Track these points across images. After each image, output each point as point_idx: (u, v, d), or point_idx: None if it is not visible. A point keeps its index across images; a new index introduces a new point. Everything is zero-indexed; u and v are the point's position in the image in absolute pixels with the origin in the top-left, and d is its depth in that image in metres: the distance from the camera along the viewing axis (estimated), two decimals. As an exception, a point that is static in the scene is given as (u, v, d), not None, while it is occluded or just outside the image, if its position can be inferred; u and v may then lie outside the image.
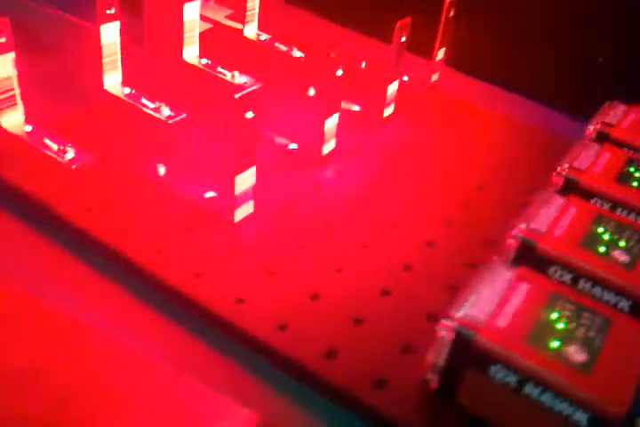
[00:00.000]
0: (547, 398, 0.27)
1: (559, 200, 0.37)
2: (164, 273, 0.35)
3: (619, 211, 0.38)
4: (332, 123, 0.42)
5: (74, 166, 0.40)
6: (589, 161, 0.41)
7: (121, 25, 0.44)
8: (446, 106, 0.54)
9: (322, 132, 0.42)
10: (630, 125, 0.45)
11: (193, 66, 0.52)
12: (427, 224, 0.42)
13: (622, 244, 0.34)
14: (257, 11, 0.58)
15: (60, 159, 0.41)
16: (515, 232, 0.35)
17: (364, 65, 0.54)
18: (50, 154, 0.41)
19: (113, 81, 0.47)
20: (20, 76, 0.40)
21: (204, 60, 0.53)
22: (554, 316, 0.29)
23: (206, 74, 0.51)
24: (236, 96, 0.31)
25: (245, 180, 0.37)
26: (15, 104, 0.41)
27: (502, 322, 0.29)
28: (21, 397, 0.29)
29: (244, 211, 0.38)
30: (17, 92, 0.41)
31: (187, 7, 0.50)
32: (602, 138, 0.44)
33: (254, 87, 0.32)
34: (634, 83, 0.52)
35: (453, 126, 0.52)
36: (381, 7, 0.60)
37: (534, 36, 0.55)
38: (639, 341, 0.29)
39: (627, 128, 0.45)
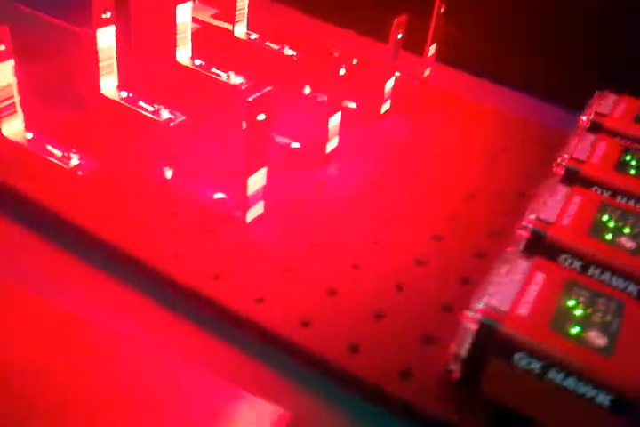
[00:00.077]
0: (570, 382, 0.28)
1: (563, 190, 0.38)
2: (181, 276, 0.35)
3: (618, 198, 0.39)
4: (335, 121, 0.43)
5: (80, 173, 0.40)
6: (587, 151, 0.42)
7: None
8: (439, 100, 0.54)
9: (326, 131, 0.42)
10: (622, 115, 0.46)
11: (187, 67, 0.52)
12: (432, 218, 0.42)
13: (627, 230, 0.35)
14: (246, 10, 0.58)
15: (65, 166, 0.40)
16: (524, 223, 0.36)
17: (355, 62, 0.55)
18: (54, 161, 0.40)
19: (109, 85, 0.47)
20: (18, 83, 0.40)
21: (198, 61, 0.53)
22: (571, 303, 0.30)
23: (202, 75, 0.51)
24: (249, 99, 0.32)
25: (257, 181, 0.37)
26: (15, 112, 0.41)
27: (523, 311, 0.30)
28: (22, 396, 0.29)
29: (254, 211, 0.39)
30: (17, 99, 0.41)
31: (179, 9, 0.49)
32: (596, 128, 0.45)
33: (266, 90, 0.32)
34: (621, 72, 0.53)
35: (448, 120, 0.52)
36: (370, 4, 0.60)
37: (520, 29, 0.56)
38: (654, 323, 0.30)
39: (619, 117, 0.46)
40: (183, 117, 0.46)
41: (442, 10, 0.51)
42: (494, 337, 0.29)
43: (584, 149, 0.42)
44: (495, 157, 0.50)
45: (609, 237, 0.35)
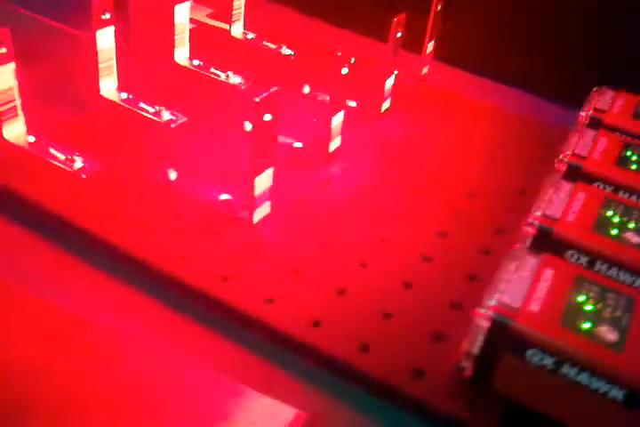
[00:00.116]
0: (583, 378, 0.28)
1: (567, 186, 0.38)
2: (190, 278, 0.35)
3: (620, 193, 0.40)
4: (337, 120, 0.43)
5: (84, 175, 0.40)
6: (588, 147, 0.42)
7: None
8: (438, 98, 0.55)
9: (329, 130, 0.42)
10: (621, 111, 0.47)
11: (186, 68, 0.52)
12: (436, 215, 0.43)
13: (632, 225, 0.36)
14: (243, 10, 0.58)
15: (68, 169, 0.40)
16: (530, 219, 0.36)
17: (353, 60, 0.55)
18: (57, 164, 0.40)
19: (109, 86, 0.46)
20: (19, 86, 0.40)
21: (196, 62, 0.53)
22: (581, 298, 0.31)
23: (201, 76, 0.51)
24: (256, 99, 0.32)
25: (263, 181, 0.37)
26: (16, 115, 0.41)
27: (535, 307, 0.30)
28: (23, 396, 0.29)
29: (261, 212, 0.39)
30: (18, 103, 0.40)
31: (177, 9, 0.49)
32: (595, 124, 0.45)
33: (272, 90, 0.32)
34: (618, 69, 0.53)
35: (447, 118, 0.53)
36: (366, 3, 0.60)
37: (517, 27, 0.57)
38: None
39: (618, 113, 0.46)
40: (184, 119, 0.46)
41: (439, 8, 0.51)
42: (507, 334, 0.29)
43: (585, 145, 0.43)
44: (494, 154, 0.50)
45: (614, 232, 0.35)
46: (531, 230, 0.36)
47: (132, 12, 0.48)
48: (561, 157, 0.42)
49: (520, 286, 0.31)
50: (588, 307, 0.30)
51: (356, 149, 0.47)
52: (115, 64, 0.46)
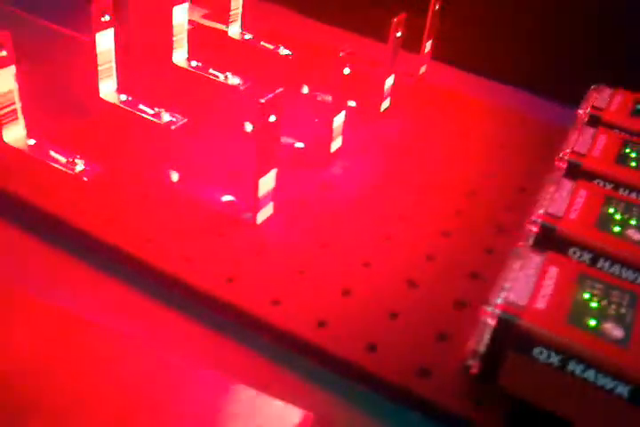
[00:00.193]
0: (589, 375, 0.29)
1: (568, 184, 0.39)
2: (195, 280, 0.35)
3: (620, 191, 0.40)
4: (339, 121, 0.43)
5: (85, 178, 0.40)
6: (587, 145, 0.43)
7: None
8: (437, 98, 0.55)
9: (330, 131, 0.42)
10: (619, 108, 0.47)
11: (184, 69, 0.52)
12: (438, 214, 0.43)
13: (634, 222, 0.36)
14: (240, 10, 0.58)
15: (70, 172, 0.40)
16: (533, 217, 0.37)
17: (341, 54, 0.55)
18: (58, 167, 0.40)
19: (108, 88, 0.46)
20: (19, 89, 0.40)
21: (195, 63, 0.53)
22: (586, 295, 0.31)
23: (200, 77, 0.51)
24: (262, 101, 0.32)
25: (267, 182, 0.37)
26: (16, 118, 0.41)
27: (541, 305, 0.30)
28: (25, 396, 0.29)
29: (265, 213, 0.39)
30: (18, 106, 0.40)
31: (176, 10, 0.49)
32: (594, 121, 0.46)
33: (277, 92, 0.32)
34: (614, 66, 0.54)
35: (446, 118, 0.53)
36: (364, 2, 0.60)
37: (513, 26, 0.57)
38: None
39: (616, 111, 0.47)
40: (184, 120, 0.46)
41: (437, 7, 0.51)
42: (514, 332, 0.29)
43: (584, 143, 0.43)
44: (494, 152, 0.50)
45: (617, 229, 0.35)
46: (534, 228, 0.36)
47: (131, 13, 0.48)
48: (561, 155, 0.43)
49: (526, 284, 0.31)
50: (593, 304, 0.30)
51: (356, 148, 0.47)
52: (114, 66, 0.45)
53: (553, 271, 0.32)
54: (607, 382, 0.29)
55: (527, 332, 0.29)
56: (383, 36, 0.56)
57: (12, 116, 0.40)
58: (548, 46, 0.56)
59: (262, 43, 0.58)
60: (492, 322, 0.30)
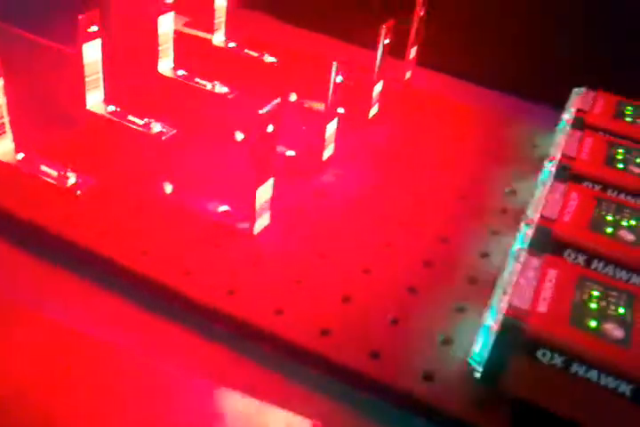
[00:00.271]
0: (592, 375, 0.29)
1: (560, 187, 0.39)
2: (196, 293, 0.35)
3: (609, 192, 0.41)
4: (332, 128, 0.43)
5: (79, 192, 0.39)
6: (575, 147, 0.43)
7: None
8: (422, 103, 0.55)
9: (323, 139, 0.42)
10: (602, 111, 0.48)
11: (171, 78, 0.51)
12: (434, 219, 0.43)
13: (625, 223, 0.37)
14: (224, 18, 0.57)
15: (62, 186, 0.39)
16: (528, 221, 0.37)
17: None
18: (49, 180, 0.40)
19: (96, 100, 0.46)
20: (7, 103, 0.39)
21: (181, 72, 0.53)
22: (585, 297, 0.31)
23: (187, 86, 0.51)
24: (261, 112, 0.32)
25: (265, 192, 0.37)
26: (4, 132, 0.40)
27: (543, 308, 0.30)
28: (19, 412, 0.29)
29: (261, 223, 0.39)
30: (6, 119, 0.39)
31: (161, 19, 0.49)
32: (579, 124, 0.47)
33: (275, 102, 0.32)
34: (596, 69, 0.55)
35: (433, 122, 0.53)
36: (348, 9, 0.61)
37: (498, 31, 0.58)
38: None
39: (599, 113, 0.48)
40: (174, 131, 0.45)
41: (422, 13, 0.51)
42: (518, 335, 0.30)
43: (572, 146, 0.44)
44: (482, 156, 0.51)
45: (609, 230, 0.36)
46: (529, 232, 0.37)
47: (116, 23, 0.48)
48: (550, 157, 0.44)
49: (526, 288, 0.32)
50: (593, 305, 0.31)
51: (347, 155, 0.47)
52: (101, 77, 0.45)
53: (552, 274, 0.32)
54: (610, 382, 0.29)
55: (531, 335, 0.30)
56: (366, 42, 0.56)
57: (0, 130, 0.40)
58: (532, 51, 0.57)
59: (247, 50, 0.58)
60: (495, 326, 0.31)
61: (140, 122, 0.45)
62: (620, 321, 0.30)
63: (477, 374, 0.32)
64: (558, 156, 0.43)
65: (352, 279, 0.37)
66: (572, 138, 0.45)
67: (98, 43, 0.43)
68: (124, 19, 0.49)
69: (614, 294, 0.32)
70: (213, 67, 0.55)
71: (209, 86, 0.51)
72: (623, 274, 0.35)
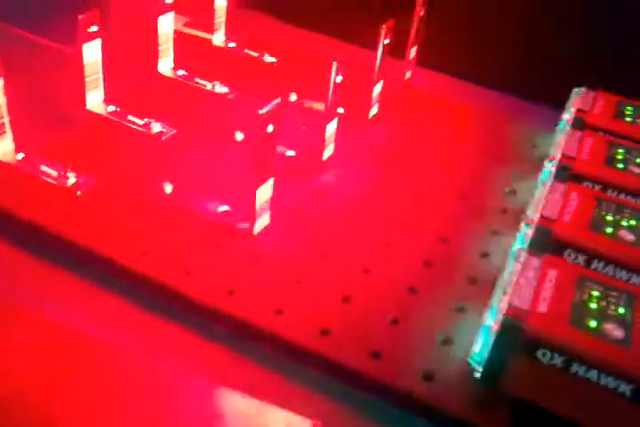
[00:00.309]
0: (592, 375, 0.29)
1: (560, 187, 0.39)
2: (196, 293, 0.35)
3: (609, 192, 0.41)
4: (332, 128, 0.43)
5: (79, 192, 0.39)
6: (575, 147, 0.43)
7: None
8: (422, 103, 0.55)
9: (323, 139, 0.42)
10: (602, 111, 0.48)
11: (171, 78, 0.51)
12: (434, 219, 0.43)
13: (625, 223, 0.37)
14: (224, 18, 0.57)
15: (62, 186, 0.39)
16: (529, 221, 0.37)
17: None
18: (50, 181, 0.40)
19: (96, 100, 0.46)
20: (7, 103, 0.39)
21: (181, 72, 0.53)
22: (585, 297, 0.31)
23: (187, 86, 0.51)
24: (261, 112, 0.32)
25: (265, 192, 0.37)
26: (4, 132, 0.40)
27: (543, 308, 0.30)
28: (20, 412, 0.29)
29: (261, 223, 0.39)
30: (6, 119, 0.39)
31: (161, 19, 0.49)
32: (579, 124, 0.47)
33: (275, 102, 0.32)
34: (596, 69, 0.55)
35: (433, 122, 0.53)
36: (348, 9, 0.61)
37: (498, 32, 0.58)
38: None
39: (599, 114, 0.48)
40: (174, 131, 0.45)
41: (422, 13, 0.51)
42: (519, 336, 0.30)
43: (572, 146, 0.44)
44: (482, 156, 0.51)
45: (609, 230, 0.36)
46: (529, 232, 0.37)
47: (116, 23, 0.48)
48: (550, 157, 0.44)
49: (527, 288, 0.32)
50: (593, 305, 0.31)
51: (347, 155, 0.47)
52: (101, 77, 0.45)
53: (552, 274, 0.32)
54: (610, 382, 0.29)
55: (531, 335, 0.30)
56: (366, 42, 0.56)
57: (0, 130, 0.40)
58: (531, 51, 0.57)
59: (247, 50, 0.58)
60: (495, 326, 0.31)
61: (140, 122, 0.45)
62: (620, 321, 0.30)
63: (477, 374, 0.32)
64: (558, 156, 0.43)
65: (352, 279, 0.37)
66: (571, 138, 0.45)
67: (98, 43, 0.43)
68: (124, 19, 0.49)
69: (614, 294, 0.32)
70: (213, 67, 0.55)
71: (209, 86, 0.51)
72: (623, 274, 0.35)
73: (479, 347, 0.32)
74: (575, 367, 0.29)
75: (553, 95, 0.51)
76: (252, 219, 0.37)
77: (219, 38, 0.58)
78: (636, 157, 0.43)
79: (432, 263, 0.39)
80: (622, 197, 0.41)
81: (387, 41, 0.46)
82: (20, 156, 0.41)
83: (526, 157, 0.50)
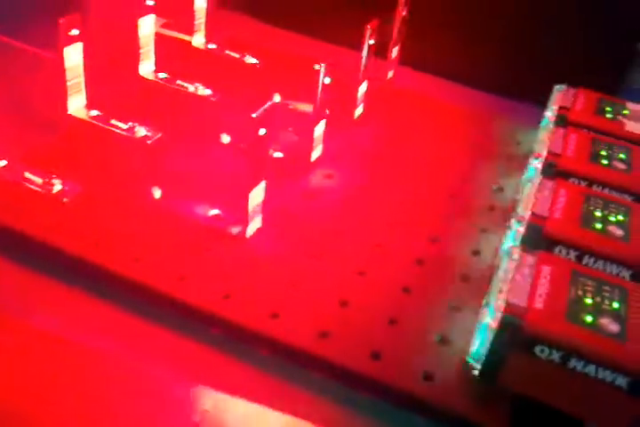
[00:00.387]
0: (590, 369, 0.30)
1: (548, 183, 0.40)
2: (191, 298, 0.34)
3: (594, 187, 0.42)
4: (320, 130, 0.43)
5: (65, 199, 0.38)
6: (560, 144, 0.44)
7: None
8: (406, 101, 0.55)
9: (311, 140, 0.42)
10: (583, 108, 0.49)
11: (153, 81, 0.51)
12: (424, 219, 0.43)
13: (613, 219, 0.37)
14: (204, 20, 0.57)
15: (47, 193, 0.39)
16: (519, 218, 0.37)
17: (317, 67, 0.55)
18: (35, 188, 0.39)
19: (78, 104, 0.45)
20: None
21: (163, 74, 0.52)
22: (580, 292, 0.32)
23: (170, 89, 0.50)
24: (254, 115, 0.31)
25: (257, 195, 0.37)
26: (-15, 139, 0.39)
27: (539, 304, 0.31)
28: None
29: (253, 226, 0.38)
30: (-13, 126, 0.39)
31: (142, 22, 0.48)
32: (562, 121, 0.47)
33: (268, 104, 0.32)
34: (574, 67, 0.56)
35: (417, 122, 0.53)
36: (328, 9, 0.60)
37: (480, 31, 0.58)
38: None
39: (581, 110, 0.48)
40: (159, 134, 0.45)
41: (404, 13, 0.52)
42: (517, 333, 0.30)
43: (557, 143, 0.44)
44: (467, 155, 0.51)
45: (599, 226, 0.37)
46: (520, 229, 0.37)
47: (96, 26, 0.47)
48: (535, 154, 0.44)
49: (522, 285, 0.32)
50: (588, 300, 0.31)
51: (334, 156, 0.47)
52: (83, 81, 0.44)
53: (546, 271, 0.33)
54: (607, 376, 0.30)
55: (529, 332, 0.30)
56: (345, 42, 0.56)
57: (-19, 138, 0.39)
58: (513, 50, 0.57)
59: (227, 52, 0.57)
60: (493, 324, 0.31)
61: (125, 126, 0.45)
62: (615, 316, 0.31)
63: (476, 372, 0.32)
64: (544, 153, 0.43)
65: (347, 281, 0.37)
66: (556, 135, 0.45)
67: (79, 46, 0.42)
68: (105, 21, 0.48)
69: (607, 288, 0.32)
70: (194, 69, 0.54)
71: (191, 89, 0.51)
72: (614, 268, 0.36)
73: (477, 345, 0.32)
74: (573, 362, 0.30)
75: (534, 93, 0.51)
76: (245, 222, 0.37)
77: (198, 40, 0.58)
78: (619, 153, 0.44)
79: (424, 262, 0.40)
80: (607, 192, 0.41)
81: (372, 41, 0.46)
82: (3, 163, 0.40)
83: (511, 155, 0.51)
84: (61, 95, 0.43)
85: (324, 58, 0.42)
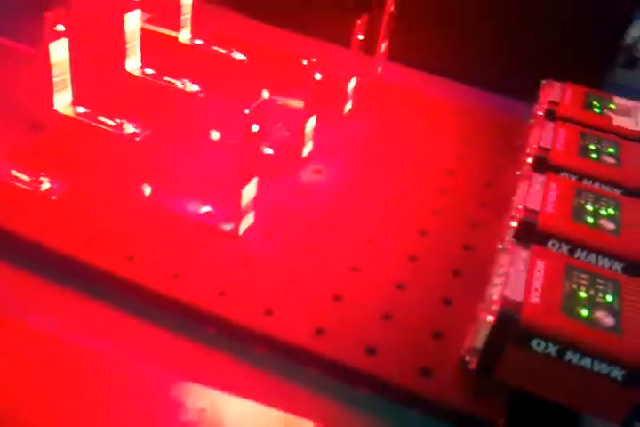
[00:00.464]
0: (586, 362, 0.30)
1: (539, 178, 0.40)
2: (186, 296, 0.34)
3: (584, 181, 0.42)
4: (311, 125, 0.43)
5: (54, 197, 0.38)
6: (549, 139, 0.44)
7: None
8: (394, 97, 0.55)
9: (302, 136, 0.42)
10: (571, 102, 0.49)
11: (140, 77, 0.50)
12: (415, 214, 0.43)
13: (604, 212, 0.38)
14: (190, 15, 0.56)
15: (36, 191, 0.38)
16: (513, 213, 0.38)
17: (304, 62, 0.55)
18: (22, 186, 0.38)
19: (64, 101, 0.44)
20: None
21: (149, 70, 0.51)
22: (574, 286, 0.32)
23: (157, 85, 0.49)
24: (246, 111, 0.31)
25: (249, 191, 0.36)
26: (-29, 137, 0.38)
27: (535, 299, 0.31)
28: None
29: (246, 223, 0.38)
30: (-27, 123, 0.38)
31: (127, 17, 0.47)
32: (550, 116, 0.47)
33: (260, 100, 0.32)
34: (561, 62, 0.56)
35: (407, 117, 0.53)
36: (316, 4, 0.60)
37: (467, 26, 0.58)
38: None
39: (569, 105, 0.48)
40: (148, 131, 0.44)
41: (391, 8, 0.51)
42: (514, 327, 0.30)
43: (546, 138, 0.44)
44: (458, 150, 0.51)
45: (590, 220, 0.37)
46: (514, 223, 0.37)
47: (82, 22, 0.46)
48: (528, 150, 0.44)
49: (518, 280, 0.32)
50: (582, 294, 0.32)
51: (325, 152, 0.47)
52: (69, 78, 0.43)
53: (540, 265, 0.33)
54: (603, 368, 0.30)
55: (525, 326, 0.30)
56: (333, 37, 0.56)
57: (-34, 135, 0.38)
58: (502, 45, 0.57)
59: (214, 47, 0.57)
60: (490, 318, 0.31)
61: (112, 123, 0.44)
62: (609, 309, 0.31)
63: (473, 366, 0.32)
64: (534, 147, 0.44)
65: (340, 277, 0.37)
66: (545, 130, 0.45)
67: (65, 42, 0.41)
68: (90, 17, 0.47)
69: (601, 282, 0.33)
70: (181, 65, 0.54)
71: (179, 85, 0.50)
72: (605, 261, 0.36)
73: (473, 339, 0.32)
74: (569, 355, 0.30)
75: (523, 88, 0.52)
76: (238, 219, 0.37)
77: (185, 35, 0.57)
78: (608, 147, 0.44)
79: (416, 258, 0.40)
80: (597, 186, 0.42)
81: (361, 37, 0.46)
82: (-11, 161, 0.39)
83: (501, 150, 0.51)
84: (47, 92, 0.43)
85: (312, 54, 0.41)
